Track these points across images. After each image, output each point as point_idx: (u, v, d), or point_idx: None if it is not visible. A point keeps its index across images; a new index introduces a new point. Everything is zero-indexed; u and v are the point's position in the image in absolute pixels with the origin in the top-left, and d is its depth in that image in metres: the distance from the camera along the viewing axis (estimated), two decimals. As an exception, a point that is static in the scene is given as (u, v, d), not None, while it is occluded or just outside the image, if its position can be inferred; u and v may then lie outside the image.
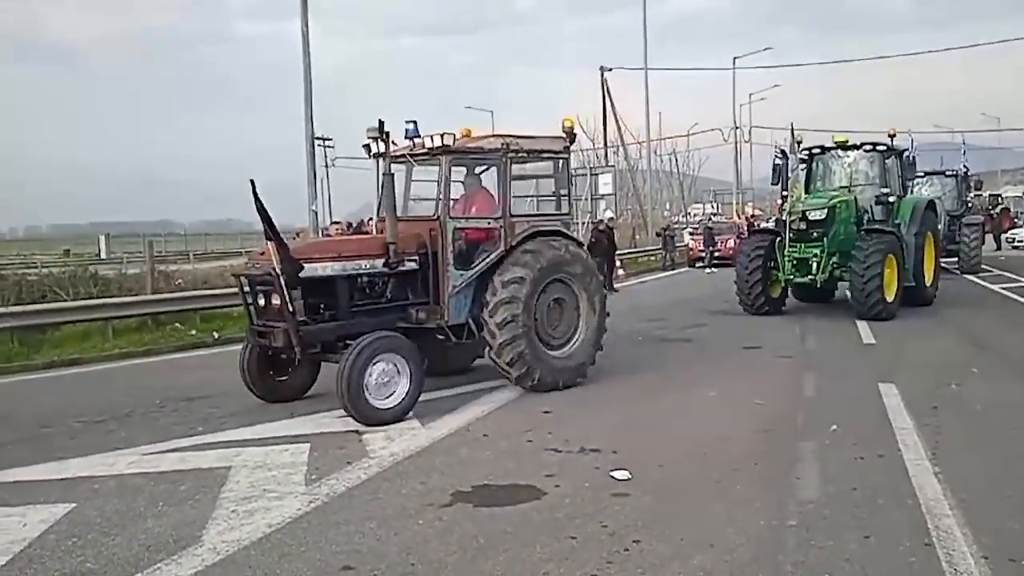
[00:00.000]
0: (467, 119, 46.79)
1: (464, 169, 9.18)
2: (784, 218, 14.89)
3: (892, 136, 15.73)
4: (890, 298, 14.00)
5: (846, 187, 15.48)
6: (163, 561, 4.66)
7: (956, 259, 22.37)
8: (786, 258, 14.70)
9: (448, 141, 8.39)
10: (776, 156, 16.29)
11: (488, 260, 8.78)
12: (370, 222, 13.78)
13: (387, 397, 7.69)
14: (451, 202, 8.90)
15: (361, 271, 8.35)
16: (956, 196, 23.53)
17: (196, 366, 11.43)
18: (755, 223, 26.77)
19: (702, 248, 29.08)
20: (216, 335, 13.73)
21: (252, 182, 7.50)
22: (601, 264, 21.48)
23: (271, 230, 7.57)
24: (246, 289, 8.25)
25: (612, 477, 5.93)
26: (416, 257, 8.58)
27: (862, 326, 13.18)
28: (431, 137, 8.42)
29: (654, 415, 8.04)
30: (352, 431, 7.38)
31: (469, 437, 7.23)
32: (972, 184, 25.37)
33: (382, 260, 8.33)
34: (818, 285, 14.80)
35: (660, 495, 5.59)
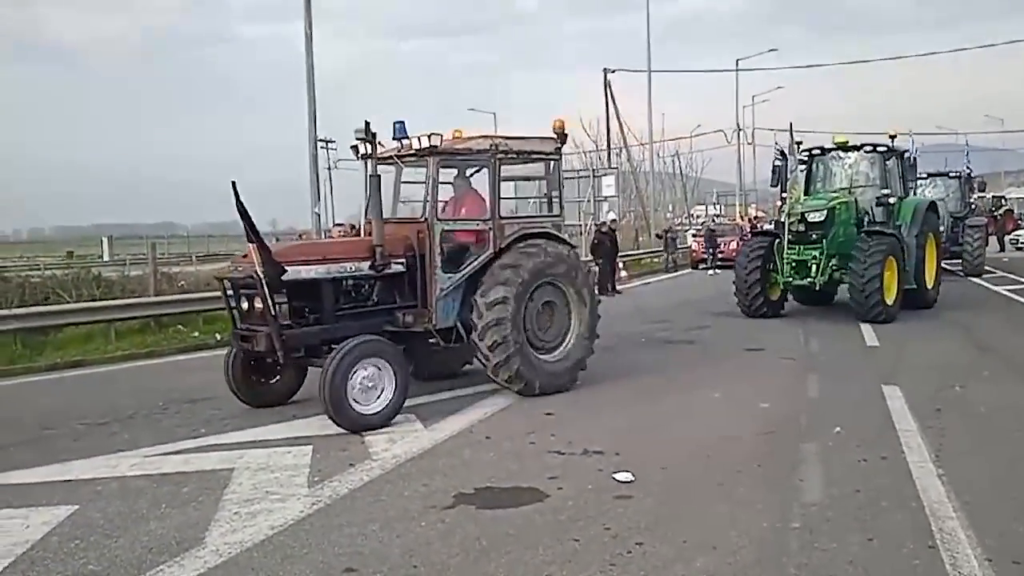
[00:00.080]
0: (470, 120, 46.86)
1: (453, 170, 9.07)
2: (783, 220, 14.78)
3: (893, 137, 15.66)
4: (890, 301, 13.89)
5: (846, 188, 15.37)
6: (166, 563, 4.66)
7: (959, 261, 22.30)
8: (785, 260, 14.58)
9: (435, 142, 8.27)
10: (775, 157, 16.24)
11: (477, 263, 8.65)
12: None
13: (371, 402, 7.55)
14: (440, 204, 8.81)
15: (346, 274, 8.22)
16: (959, 198, 23.47)
17: (199, 368, 11.42)
18: (758, 225, 26.77)
19: (705, 250, 29.05)
20: (219, 337, 13.72)
21: (233, 183, 7.36)
22: (604, 266, 21.56)
23: (253, 232, 7.46)
24: (229, 292, 8.16)
25: (615, 479, 5.92)
26: (403, 259, 8.45)
27: (865, 328, 13.15)
28: (419, 138, 8.30)
29: (657, 417, 8.03)
30: (360, 431, 7.36)
31: (471, 439, 7.23)
32: (975, 186, 25.34)
33: (368, 263, 8.21)
34: (817, 288, 14.71)
35: (663, 497, 5.58)
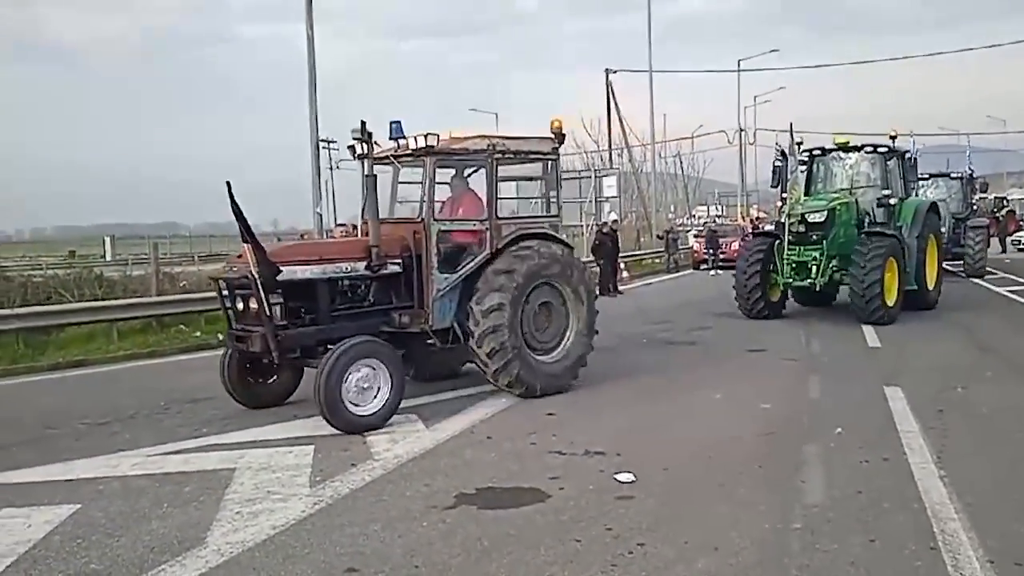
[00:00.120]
0: (472, 121, 46.87)
1: (450, 170, 9.03)
2: (783, 220, 14.72)
3: (894, 138, 15.60)
4: (891, 302, 13.82)
5: (847, 189, 15.30)
6: (167, 563, 4.66)
7: (961, 262, 22.27)
8: (785, 261, 14.51)
9: (432, 142, 8.23)
10: (776, 158, 16.21)
11: (474, 263, 8.60)
12: None
13: (367, 404, 7.50)
14: (438, 204, 8.78)
15: (342, 274, 8.17)
16: (961, 198, 23.44)
17: (200, 368, 11.40)
18: (760, 225, 26.73)
19: (706, 250, 29.03)
20: (220, 337, 13.68)
21: (228, 184, 7.32)
22: (605, 266, 21.56)
23: (247, 232, 7.42)
24: (224, 293, 8.12)
25: (616, 480, 5.92)
26: (400, 260, 8.41)
27: (867, 329, 13.13)
28: (415, 138, 8.26)
29: (658, 418, 8.03)
30: (356, 433, 7.37)
31: (473, 439, 7.23)
32: (977, 186, 25.28)
33: (364, 263, 8.17)
34: (818, 289, 14.64)
35: (664, 498, 5.58)
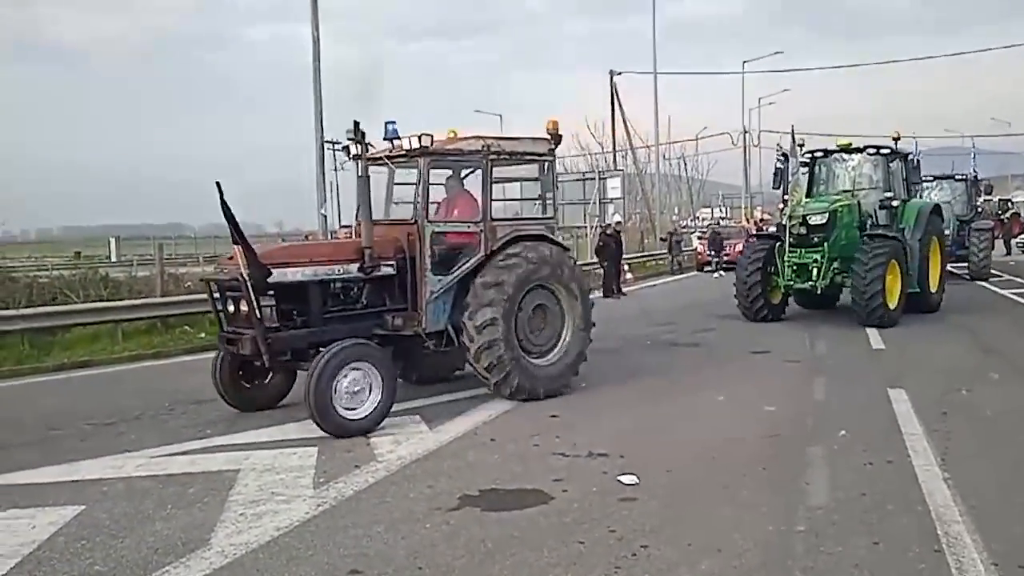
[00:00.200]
0: (475, 122, 46.92)
1: (446, 172, 8.96)
2: (784, 222, 14.65)
3: (896, 139, 15.55)
4: (892, 305, 13.72)
5: (849, 191, 15.22)
6: (171, 564, 4.67)
7: (965, 264, 22.23)
8: (786, 263, 14.42)
9: (426, 143, 8.16)
10: (777, 159, 16.16)
11: (468, 265, 8.52)
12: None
13: (358, 407, 7.42)
14: (433, 205, 8.71)
15: (334, 276, 8.10)
16: (966, 200, 23.40)
17: (205, 369, 11.30)
18: (763, 227, 26.71)
19: (710, 252, 29.00)
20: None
21: (218, 184, 7.27)
22: (609, 268, 21.56)
23: (237, 234, 7.35)
24: (216, 295, 8.04)
25: (620, 482, 5.91)
26: (393, 262, 8.33)
27: (871, 331, 13.11)
28: (409, 138, 8.20)
29: (662, 419, 8.02)
30: (346, 437, 7.33)
31: (476, 441, 7.23)
32: (982, 188, 25.24)
33: (357, 265, 8.10)
34: (819, 291, 14.50)
35: (668, 500, 5.57)
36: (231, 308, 7.84)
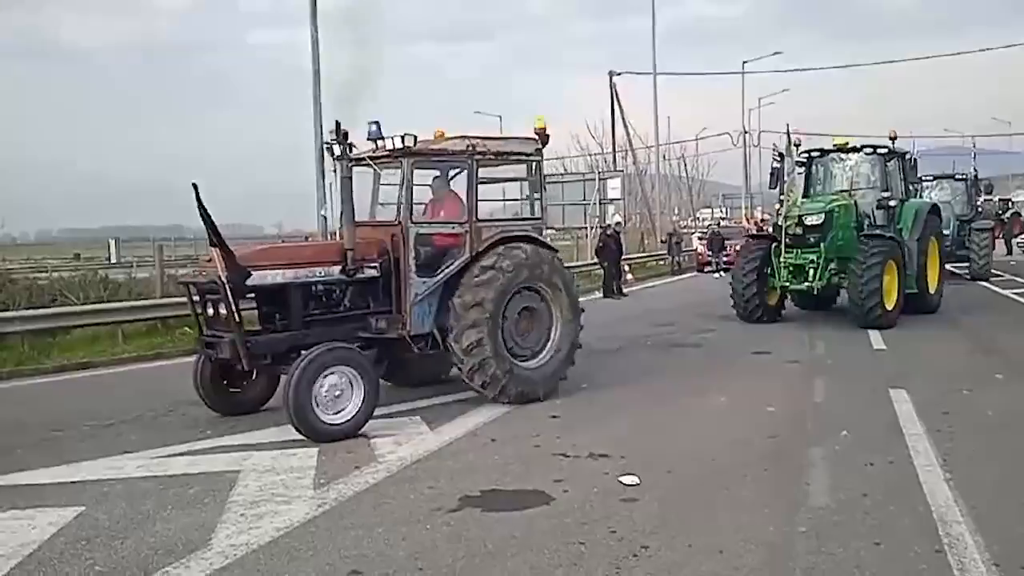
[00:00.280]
0: (476, 124, 46.91)
1: (432, 172, 8.86)
2: (780, 223, 14.54)
3: (893, 139, 15.46)
4: (890, 306, 13.58)
5: (846, 191, 15.08)
6: (172, 565, 4.66)
7: (966, 264, 22.22)
8: (782, 264, 14.29)
9: (409, 143, 8.02)
10: (773, 159, 16.10)
11: (453, 267, 8.38)
12: None
13: (338, 412, 7.28)
14: (419, 206, 8.61)
15: (315, 279, 7.96)
16: (966, 200, 23.38)
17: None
18: (764, 227, 26.70)
19: (710, 252, 29.00)
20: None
21: (195, 186, 7.16)
22: (609, 268, 21.56)
23: (215, 236, 7.24)
24: (195, 298, 7.90)
25: (621, 482, 5.91)
26: (377, 264, 8.18)
27: (872, 332, 13.08)
28: (392, 138, 8.07)
29: (663, 420, 8.01)
30: (360, 435, 7.36)
31: (477, 442, 7.22)
32: (982, 188, 25.22)
33: (339, 267, 7.95)
34: (815, 292, 14.39)
35: (669, 501, 5.57)
36: (210, 311, 7.70)
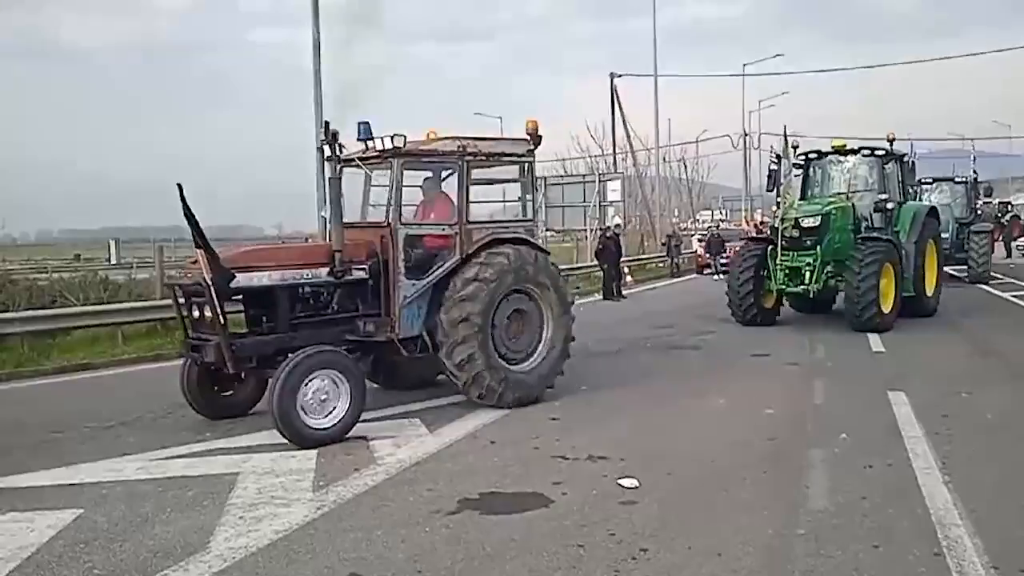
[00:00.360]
0: (476, 125, 46.94)
1: (424, 173, 8.80)
2: (776, 225, 14.48)
3: (891, 141, 15.41)
4: (887, 309, 13.51)
5: (844, 193, 14.99)
6: (171, 567, 4.66)
7: (965, 267, 22.22)
8: (778, 267, 14.22)
9: (399, 143, 7.93)
10: (771, 161, 16.06)
11: (443, 269, 8.28)
12: None
13: (324, 416, 7.19)
14: (409, 208, 8.53)
15: (302, 281, 7.83)
16: (966, 203, 23.40)
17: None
18: (763, 230, 26.72)
19: (709, 255, 29.00)
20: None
21: (179, 186, 7.07)
22: (608, 270, 21.56)
23: (200, 237, 7.16)
24: (180, 300, 7.79)
25: (620, 485, 5.91)
26: (366, 266, 8.06)
27: (871, 334, 13.07)
28: (382, 139, 8.00)
29: (662, 422, 8.02)
30: (359, 437, 7.35)
31: (476, 444, 7.22)
32: (982, 191, 25.25)
33: (327, 269, 7.84)
34: (811, 295, 14.30)
35: (668, 503, 5.57)
36: (195, 313, 7.59)
